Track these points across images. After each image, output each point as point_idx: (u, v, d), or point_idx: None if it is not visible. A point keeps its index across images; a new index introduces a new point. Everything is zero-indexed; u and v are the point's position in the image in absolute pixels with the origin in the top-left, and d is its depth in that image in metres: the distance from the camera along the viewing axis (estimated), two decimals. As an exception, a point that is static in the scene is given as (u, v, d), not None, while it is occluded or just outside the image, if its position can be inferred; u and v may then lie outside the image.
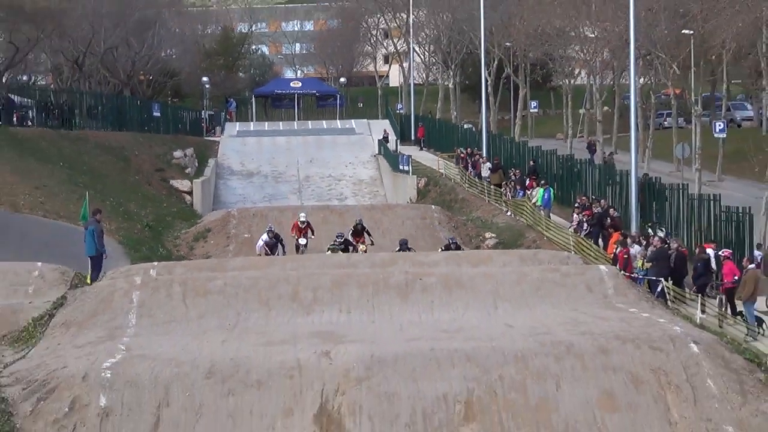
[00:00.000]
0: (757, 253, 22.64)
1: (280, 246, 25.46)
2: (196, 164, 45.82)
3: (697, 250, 23.45)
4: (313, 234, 27.02)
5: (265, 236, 25.51)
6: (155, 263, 21.47)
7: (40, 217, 30.52)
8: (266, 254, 24.83)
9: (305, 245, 26.62)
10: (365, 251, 24.22)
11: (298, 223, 26.99)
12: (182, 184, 42.00)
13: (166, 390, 12.47)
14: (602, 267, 19.46)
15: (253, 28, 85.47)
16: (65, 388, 12.38)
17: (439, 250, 24.13)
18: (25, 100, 45.21)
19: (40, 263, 20.28)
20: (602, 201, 29.43)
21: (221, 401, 12.43)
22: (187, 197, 41.38)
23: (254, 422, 12.17)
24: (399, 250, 22.61)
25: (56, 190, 33.61)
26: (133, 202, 36.26)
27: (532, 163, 37.88)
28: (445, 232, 29.99)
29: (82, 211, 23.22)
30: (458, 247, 24.52)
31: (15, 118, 41.94)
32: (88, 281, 19.85)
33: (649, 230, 26.97)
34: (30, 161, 36.10)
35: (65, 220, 29.04)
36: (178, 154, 45.50)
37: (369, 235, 26.10)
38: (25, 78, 55.06)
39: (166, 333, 15.33)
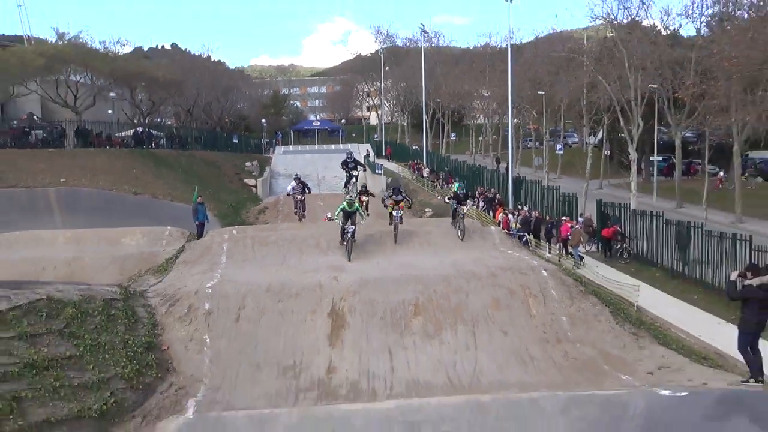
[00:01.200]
0: (580, 219, 32.16)
1: (306, 189, 28.20)
2: (259, 170, 60.33)
3: (547, 218, 33.54)
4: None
5: (293, 182, 28.66)
6: (235, 227, 25.86)
7: (169, 201, 41.71)
8: (294, 193, 27.93)
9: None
10: (367, 203, 24.94)
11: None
12: (251, 182, 56.92)
13: (243, 299, 16.53)
14: (492, 228, 24.94)
15: (291, 91, 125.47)
16: (185, 298, 16.64)
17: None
18: (159, 133, 62.64)
19: (169, 227, 24.71)
20: (492, 189, 42.98)
21: (275, 305, 16.44)
22: (254, 189, 55.48)
23: (294, 317, 16.15)
24: (393, 192, 22.48)
25: (178, 185, 45.33)
26: (222, 192, 48.99)
27: (446, 168, 57.26)
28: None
29: (193, 197, 29.54)
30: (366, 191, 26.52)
31: (153, 144, 57.18)
32: (197, 238, 24.33)
33: (519, 206, 38.01)
34: (162, 169, 49.28)
35: (183, 203, 37.66)
36: (248, 164, 61.16)
37: (369, 194, 26.41)
38: (158, 120, 74.28)
39: (242, 267, 19.16)
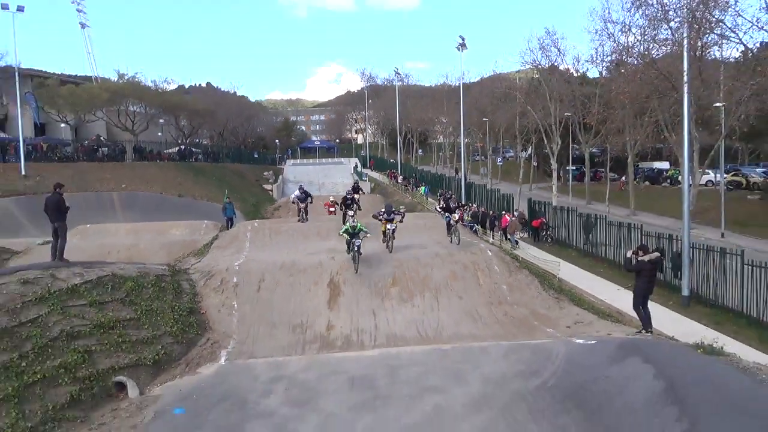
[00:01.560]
0: (515, 213, 31.93)
1: (309, 198, 23.83)
2: (274, 177, 60.07)
3: (491, 212, 33.34)
4: (338, 205, 24.36)
5: (297, 191, 24.22)
6: (256, 221, 25.83)
7: (206, 201, 41.24)
8: (298, 202, 23.71)
9: (334, 211, 25.61)
10: (358, 199, 23.62)
11: (329, 202, 27.06)
12: (268, 187, 56.61)
13: (262, 274, 16.46)
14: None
15: (297, 118, 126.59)
16: (218, 274, 16.49)
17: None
18: (197, 150, 63.16)
19: (206, 221, 25.11)
20: (449, 192, 41.07)
21: (286, 278, 16.34)
22: (270, 192, 55.00)
23: (301, 287, 16.00)
24: (386, 213, 18.28)
25: (212, 189, 44.90)
26: (246, 195, 48.34)
27: (415, 175, 58.03)
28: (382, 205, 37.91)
29: (224, 198, 29.56)
30: (358, 188, 25.57)
31: (193, 159, 57.05)
32: (227, 229, 24.45)
33: (470, 203, 38.03)
34: (200, 177, 48.61)
35: (217, 203, 36.68)
36: (266, 173, 61.03)
37: (362, 191, 25.86)
38: (197, 140, 74.42)
39: (262, 250, 19.20)
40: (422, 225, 21.83)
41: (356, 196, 24.06)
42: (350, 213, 23.77)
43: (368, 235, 16.95)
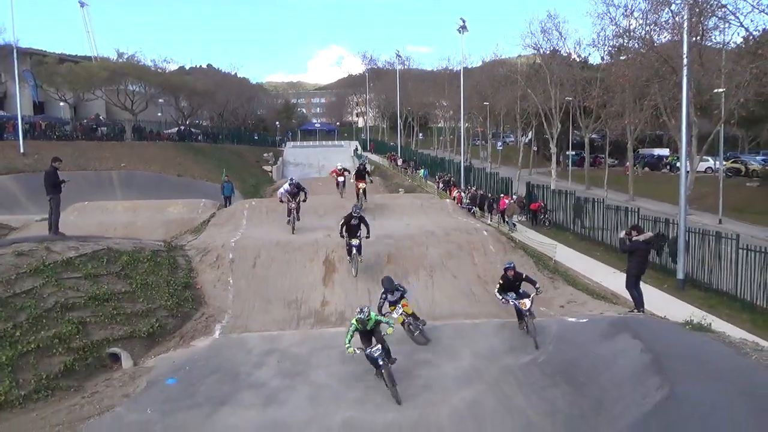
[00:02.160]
0: (514, 196, 32.04)
1: (302, 193, 18.74)
2: (274, 159, 59.83)
3: (489, 195, 32.96)
4: (350, 173, 22.86)
5: (286, 185, 18.93)
6: (254, 199, 25.46)
7: (204, 181, 41.08)
8: (288, 200, 18.47)
9: (343, 183, 22.96)
10: (365, 188, 21.02)
11: (337, 169, 23.65)
12: (268, 168, 56.34)
13: (258, 251, 16.37)
14: (447, 201, 24.77)
15: (298, 101, 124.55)
16: (214, 250, 16.44)
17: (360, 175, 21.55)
18: (197, 130, 63.33)
19: (204, 200, 24.82)
20: (448, 174, 42.73)
21: (282, 255, 16.23)
22: (270, 174, 54.67)
23: (296, 264, 15.91)
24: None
25: (211, 170, 44.35)
26: (246, 175, 48.21)
27: (415, 158, 58.30)
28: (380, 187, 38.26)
29: (222, 177, 30.09)
30: (365, 169, 22.20)
31: (192, 139, 56.83)
32: (225, 207, 24.34)
33: (469, 186, 38.22)
34: (199, 157, 48.22)
35: (215, 183, 36.63)
36: (266, 155, 60.66)
37: (369, 175, 22.45)
38: (196, 120, 74.15)
39: (258, 228, 19.06)
40: (419, 205, 21.76)
41: (362, 184, 21.41)
42: (341, 180, 22.80)
43: (390, 327, 10.11)
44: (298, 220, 18.53)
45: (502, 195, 32.19)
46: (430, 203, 22.32)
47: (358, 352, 9.71)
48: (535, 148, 61.48)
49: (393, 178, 48.30)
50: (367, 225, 15.37)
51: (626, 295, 13.98)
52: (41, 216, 23.97)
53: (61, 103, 54.18)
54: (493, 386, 9.68)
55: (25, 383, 10.15)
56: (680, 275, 19.49)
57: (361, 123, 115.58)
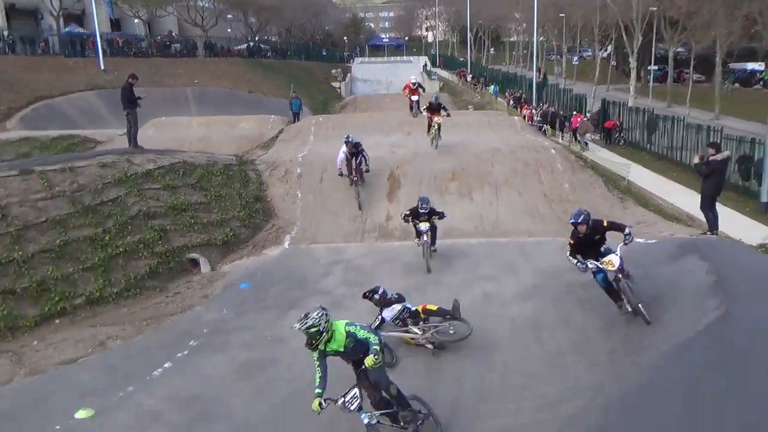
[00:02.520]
0: (588, 113, 30.35)
1: (362, 157, 15.35)
2: (342, 75, 59.34)
3: (561, 112, 31.33)
4: (424, 91, 21.50)
5: (344, 147, 15.31)
6: (321, 115, 25.76)
7: (273, 97, 41.05)
8: (348, 169, 15.41)
9: (417, 103, 21.46)
10: (440, 124, 17.70)
11: (410, 84, 21.99)
12: (336, 84, 56.13)
13: (325, 166, 16.74)
14: (516, 118, 24.00)
15: (366, 15, 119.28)
16: (282, 165, 17.07)
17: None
18: (266, 46, 62.01)
19: (273, 116, 24.97)
20: (520, 91, 40.88)
21: None
22: (338, 90, 54.74)
23: None
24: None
25: (281, 85, 44.43)
26: (314, 92, 47.92)
27: (485, 74, 55.66)
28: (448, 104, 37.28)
29: (291, 93, 30.23)
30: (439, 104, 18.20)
31: (262, 55, 56.70)
32: (293, 123, 24.36)
33: (541, 103, 35.82)
34: (269, 73, 48.47)
35: (284, 99, 36.04)
36: (334, 71, 60.06)
37: (445, 110, 18.20)
38: (265, 37, 72.53)
39: (325, 143, 19.25)
40: (486, 122, 21.32)
41: (437, 118, 17.91)
42: (414, 99, 21.25)
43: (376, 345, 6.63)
44: (363, 182, 15.36)
45: (575, 112, 30.87)
46: (498, 120, 21.81)
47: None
48: (613, 63, 57.74)
49: (462, 95, 47.25)
50: (439, 213, 11.80)
51: (702, 217, 13.46)
52: (123, 131, 25.21)
53: (135, 20, 55.27)
54: (553, 302, 9.77)
55: (116, 282, 11.13)
56: (764, 198, 18.43)
57: (430, 38, 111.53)
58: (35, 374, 8.38)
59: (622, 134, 29.38)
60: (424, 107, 18.37)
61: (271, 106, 37.21)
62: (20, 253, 10.50)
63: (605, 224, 8.34)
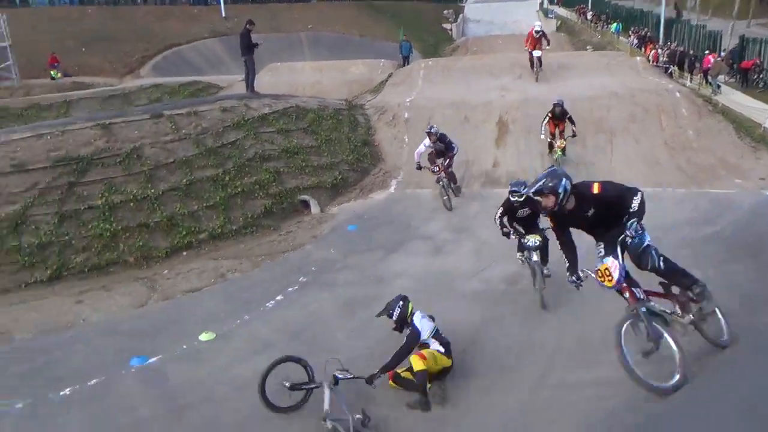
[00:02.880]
0: (722, 53, 26.96)
1: (449, 159, 12.42)
2: (454, 16, 56.28)
3: (691, 51, 27.90)
4: (548, 44, 19.20)
5: (426, 140, 12.50)
6: (431, 59, 24.65)
7: (383, 41, 40.70)
8: (432, 165, 12.52)
9: (539, 58, 18.71)
10: (563, 147, 13.79)
11: (533, 32, 18.70)
12: (447, 26, 53.01)
13: (432, 110, 16.65)
14: (638, 59, 21.69)
15: None
16: (390, 110, 17.17)
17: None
18: None
19: (383, 60, 25.23)
20: (645, 29, 36.68)
21: (456, 116, 16.28)
22: (449, 32, 51.96)
23: (469, 124, 16.00)
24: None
25: (391, 28, 43.61)
26: (425, 34, 46.15)
27: (607, 11, 48.22)
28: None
29: (400, 36, 29.48)
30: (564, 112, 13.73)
31: None
32: (402, 66, 24.01)
33: (669, 42, 31.73)
34: (379, 16, 47.97)
35: (394, 42, 35.79)
36: (445, 12, 56.68)
37: (572, 123, 13.72)
38: None
39: (434, 87, 18.95)
40: (604, 64, 19.88)
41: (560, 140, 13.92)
42: (536, 55, 18.93)
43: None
44: (456, 194, 12.57)
45: (707, 52, 28.01)
46: (617, 61, 20.29)
47: None
48: (759, -6, 51.31)
49: (581, 35, 44.18)
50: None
51: None
52: (242, 76, 26.40)
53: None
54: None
55: (235, 220, 11.97)
56: None
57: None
58: (166, 299, 9.36)
59: (761, 76, 26.37)
60: (546, 119, 13.77)
61: (381, 49, 37.12)
62: (152, 190, 11.53)
63: (596, 191, 5.33)
